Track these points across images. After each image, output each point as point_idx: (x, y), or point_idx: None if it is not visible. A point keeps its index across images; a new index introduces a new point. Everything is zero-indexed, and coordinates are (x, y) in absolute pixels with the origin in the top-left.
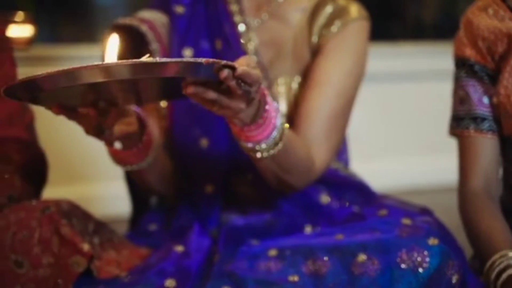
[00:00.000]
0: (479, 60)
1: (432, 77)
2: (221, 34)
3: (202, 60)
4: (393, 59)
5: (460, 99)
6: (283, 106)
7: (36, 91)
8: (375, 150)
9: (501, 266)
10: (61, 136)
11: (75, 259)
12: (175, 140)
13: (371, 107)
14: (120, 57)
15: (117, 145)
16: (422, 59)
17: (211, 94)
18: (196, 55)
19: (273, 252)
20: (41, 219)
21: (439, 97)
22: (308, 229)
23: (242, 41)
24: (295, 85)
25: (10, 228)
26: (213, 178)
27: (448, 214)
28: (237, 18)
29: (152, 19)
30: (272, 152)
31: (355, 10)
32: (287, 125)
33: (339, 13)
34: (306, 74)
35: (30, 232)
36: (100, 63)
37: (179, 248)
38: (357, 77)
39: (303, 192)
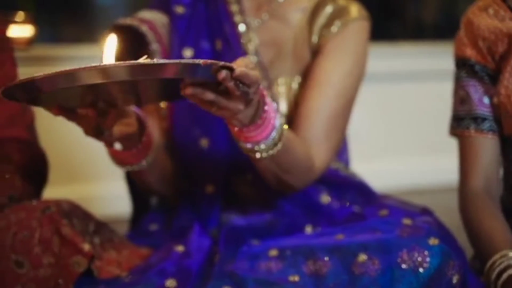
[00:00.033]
0: (480, 60)
1: (432, 77)
2: (221, 34)
3: (200, 61)
4: (393, 59)
5: (461, 99)
6: (283, 106)
7: (34, 92)
8: (375, 150)
9: (502, 266)
10: (61, 136)
11: (76, 259)
12: (176, 140)
13: (371, 107)
14: (119, 58)
15: (117, 146)
16: (422, 59)
17: (209, 95)
18: (196, 55)
19: (273, 252)
20: (42, 219)
21: (439, 97)
22: (308, 229)
23: (242, 41)
24: (295, 85)
25: (10, 228)
26: (214, 178)
27: (448, 214)
28: (237, 18)
29: (152, 20)
30: (271, 152)
31: (355, 10)
32: (286, 126)
33: (339, 13)
34: (306, 74)
35: (30, 232)
36: (98, 64)
37: (180, 248)
38: (357, 77)
39: (303, 192)
